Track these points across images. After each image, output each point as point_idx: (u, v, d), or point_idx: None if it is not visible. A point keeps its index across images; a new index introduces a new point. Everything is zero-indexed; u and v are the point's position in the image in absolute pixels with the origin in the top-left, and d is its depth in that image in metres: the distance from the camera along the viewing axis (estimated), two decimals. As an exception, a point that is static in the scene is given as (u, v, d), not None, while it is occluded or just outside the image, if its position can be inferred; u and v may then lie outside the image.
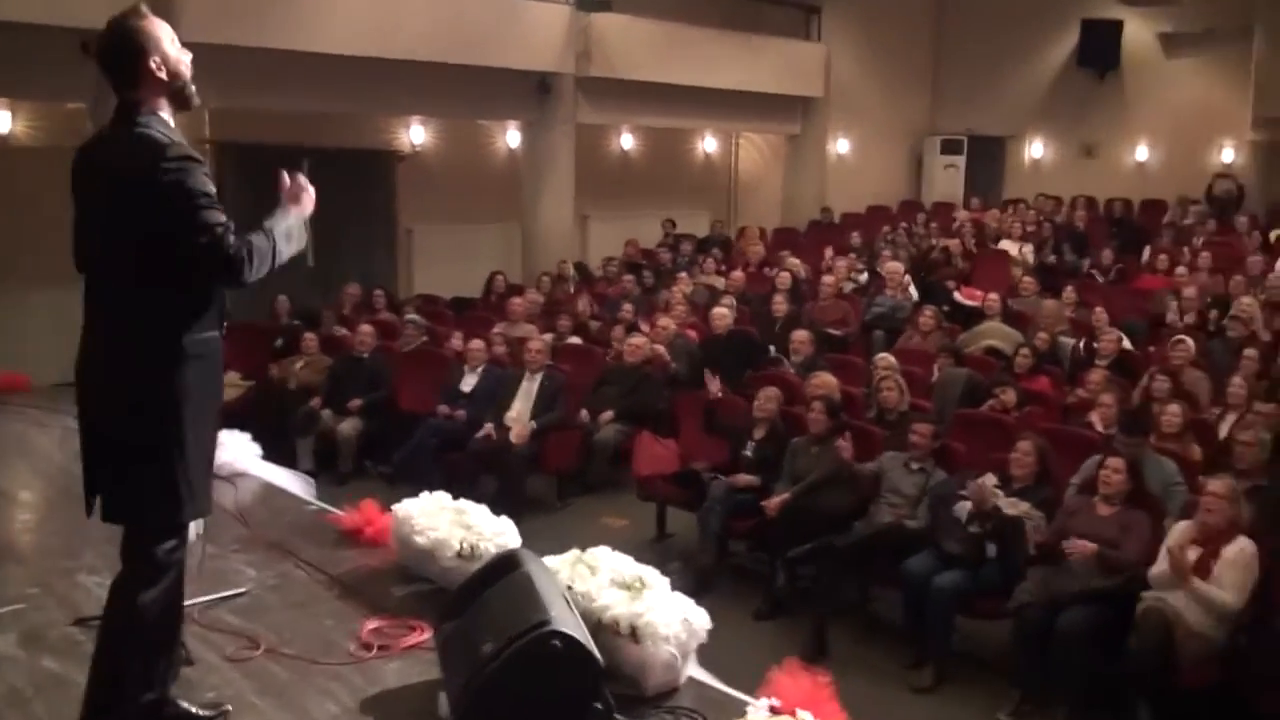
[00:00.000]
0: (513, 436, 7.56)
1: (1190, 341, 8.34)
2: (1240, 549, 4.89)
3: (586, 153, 13.18)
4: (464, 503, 4.14)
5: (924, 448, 6.16)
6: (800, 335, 8.51)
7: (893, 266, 11.36)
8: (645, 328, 9.43)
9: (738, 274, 11.56)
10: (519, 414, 7.76)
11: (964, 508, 5.64)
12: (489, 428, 7.71)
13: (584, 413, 8.12)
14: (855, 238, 13.69)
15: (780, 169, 16.83)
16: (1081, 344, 9.32)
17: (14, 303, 9.79)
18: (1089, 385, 8.00)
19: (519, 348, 8.92)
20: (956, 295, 11.84)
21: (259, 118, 10.69)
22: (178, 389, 2.71)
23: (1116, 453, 5.65)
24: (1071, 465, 6.20)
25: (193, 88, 2.85)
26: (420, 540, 3.94)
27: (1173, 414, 6.78)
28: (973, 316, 10.48)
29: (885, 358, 8.08)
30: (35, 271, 9.79)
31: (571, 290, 11.97)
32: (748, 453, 6.68)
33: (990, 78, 17.28)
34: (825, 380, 7.27)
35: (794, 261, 11.84)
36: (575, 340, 9.65)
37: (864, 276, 12.19)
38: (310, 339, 9.13)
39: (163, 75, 2.75)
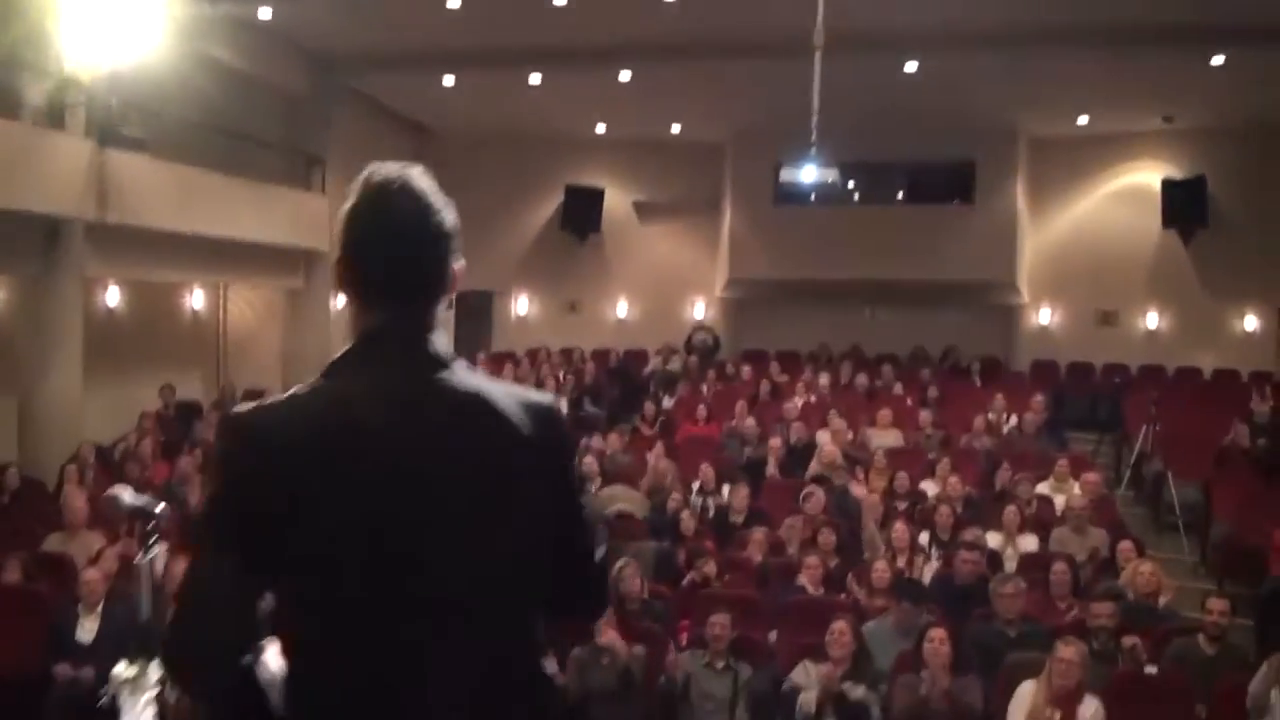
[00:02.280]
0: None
1: (821, 492, 8.85)
2: (1095, 710, 5.12)
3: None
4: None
5: (725, 641, 5.74)
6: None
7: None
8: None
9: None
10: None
11: (809, 700, 5.31)
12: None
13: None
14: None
15: (275, 325, 15.47)
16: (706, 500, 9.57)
17: None
18: (751, 544, 8.17)
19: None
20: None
21: None
22: None
23: (934, 622, 5.69)
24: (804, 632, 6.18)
25: None
26: None
27: (881, 570, 7.13)
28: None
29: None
30: None
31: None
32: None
33: (477, 235, 17.45)
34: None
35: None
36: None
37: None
38: None
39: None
